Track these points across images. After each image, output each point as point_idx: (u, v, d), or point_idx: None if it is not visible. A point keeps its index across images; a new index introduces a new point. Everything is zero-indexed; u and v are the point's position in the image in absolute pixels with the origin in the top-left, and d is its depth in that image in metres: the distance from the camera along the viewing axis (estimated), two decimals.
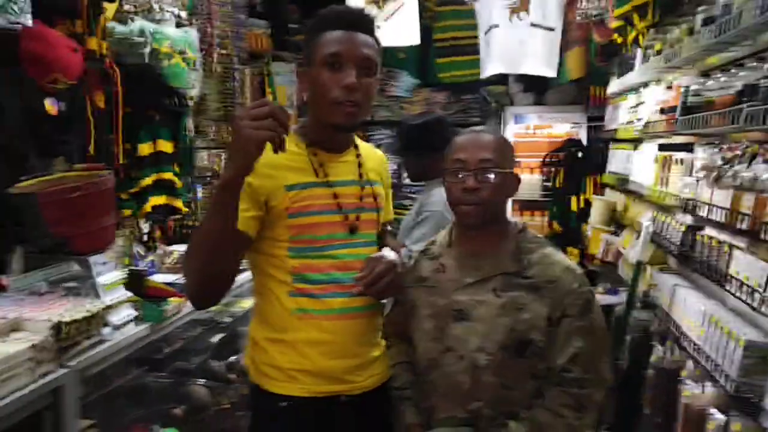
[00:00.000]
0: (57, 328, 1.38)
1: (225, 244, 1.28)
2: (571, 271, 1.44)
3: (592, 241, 3.67)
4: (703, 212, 1.92)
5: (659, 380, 2.12)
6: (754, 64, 1.68)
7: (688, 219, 2.20)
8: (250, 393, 1.54)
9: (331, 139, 1.47)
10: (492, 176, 1.43)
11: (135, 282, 1.81)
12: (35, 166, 2.19)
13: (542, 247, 1.48)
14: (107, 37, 2.53)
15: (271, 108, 1.17)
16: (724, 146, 1.67)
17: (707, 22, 1.97)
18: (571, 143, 4.58)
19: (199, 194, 3.50)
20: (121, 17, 2.67)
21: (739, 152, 1.56)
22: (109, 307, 1.57)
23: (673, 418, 1.90)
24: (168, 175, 2.78)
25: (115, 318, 1.60)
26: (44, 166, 2.25)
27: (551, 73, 3.92)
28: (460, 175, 1.45)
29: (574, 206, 4.35)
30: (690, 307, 1.99)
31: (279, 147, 1.18)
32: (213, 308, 2.39)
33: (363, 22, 1.42)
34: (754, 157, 1.47)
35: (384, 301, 1.64)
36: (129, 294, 1.69)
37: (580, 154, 4.46)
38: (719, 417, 1.57)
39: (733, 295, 1.69)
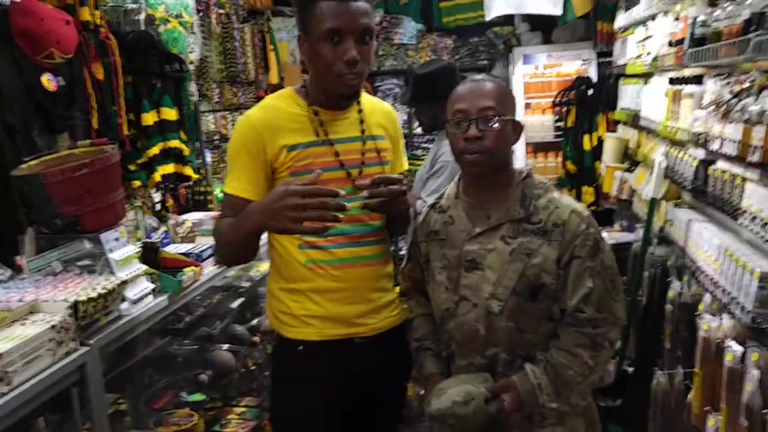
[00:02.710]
0: (74, 307, 1.41)
1: (247, 249, 1.47)
2: (578, 213, 1.43)
3: (606, 179, 3.62)
4: (714, 146, 1.88)
5: (678, 315, 2.13)
6: None
7: (700, 153, 2.16)
8: (273, 340, 1.63)
9: (335, 100, 1.50)
10: (494, 124, 1.41)
11: (150, 254, 1.84)
12: (39, 144, 2.20)
13: (548, 192, 1.47)
14: (100, 6, 2.49)
15: (320, 203, 1.25)
16: (732, 79, 1.62)
17: None
18: (582, 81, 4.46)
19: (208, 159, 3.51)
20: None
21: (747, 85, 1.51)
22: (124, 282, 1.60)
23: (693, 351, 1.92)
24: (175, 143, 2.78)
25: (132, 292, 1.63)
26: (48, 143, 2.26)
27: (557, 10, 3.81)
28: (462, 125, 1.43)
29: (587, 145, 4.27)
30: (705, 241, 1.97)
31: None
32: (231, 273, 2.43)
33: None
34: (762, 89, 1.42)
35: (401, 248, 1.67)
36: (144, 267, 1.71)
37: (590, 92, 4.35)
38: (737, 348, 1.58)
39: (746, 228, 1.67)
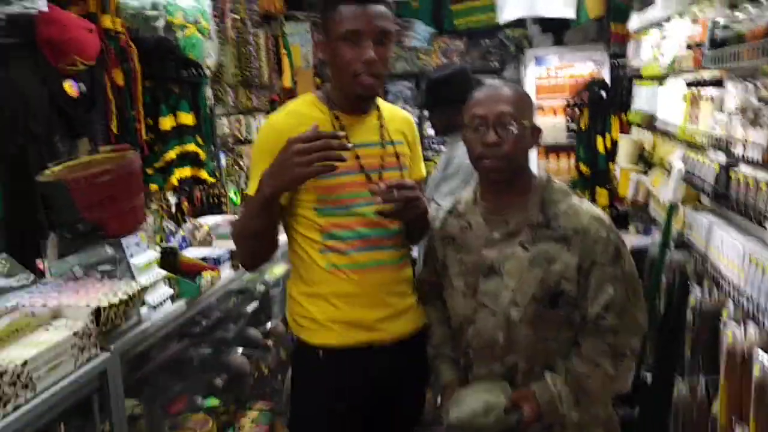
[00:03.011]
0: (97, 313, 1.42)
1: (269, 234, 1.48)
2: (598, 219, 1.43)
3: (621, 182, 3.60)
4: (737, 150, 1.86)
5: (699, 322, 2.10)
6: None
7: (721, 157, 2.14)
8: (292, 345, 1.64)
9: (354, 104, 1.53)
10: (512, 129, 1.40)
11: (169, 259, 1.86)
12: (61, 149, 2.23)
13: (568, 198, 1.47)
14: (120, 13, 2.52)
15: (325, 143, 1.28)
16: (758, 83, 1.60)
17: None
18: (594, 83, 4.44)
19: (223, 162, 3.54)
20: None
21: None
22: (145, 288, 1.61)
23: (715, 359, 1.90)
24: (191, 147, 2.81)
25: (152, 297, 1.64)
26: (69, 148, 2.29)
27: (570, 13, 3.80)
28: (479, 130, 1.42)
29: (600, 147, 4.25)
30: (728, 247, 1.95)
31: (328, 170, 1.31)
32: (246, 277, 2.44)
33: None
34: None
35: (414, 254, 1.68)
36: (164, 272, 1.72)
37: (603, 94, 4.33)
38: (766, 359, 1.56)
39: None
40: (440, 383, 1.55)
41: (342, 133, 1.33)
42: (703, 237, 2.23)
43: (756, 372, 1.58)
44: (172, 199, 2.92)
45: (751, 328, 1.72)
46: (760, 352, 1.60)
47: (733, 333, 1.76)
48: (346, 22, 1.42)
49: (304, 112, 1.52)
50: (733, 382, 1.71)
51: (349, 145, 1.34)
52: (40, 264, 1.87)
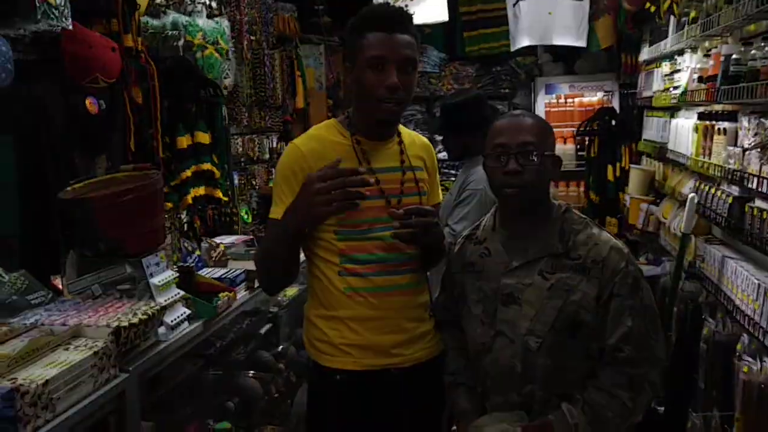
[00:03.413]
0: (117, 333, 1.42)
1: (291, 260, 1.51)
2: (618, 250, 1.43)
3: (631, 211, 3.61)
4: (751, 184, 1.87)
5: (713, 354, 2.10)
6: None
7: (734, 189, 2.15)
8: (308, 369, 1.63)
9: (375, 129, 1.54)
10: (533, 159, 1.42)
11: (185, 279, 1.85)
12: (78, 165, 2.26)
13: (587, 228, 1.47)
14: (142, 32, 2.56)
15: (345, 182, 1.34)
16: None
17: None
18: (605, 111, 4.48)
19: (236, 181, 3.56)
20: (154, 11, 2.70)
21: None
22: (164, 308, 1.61)
23: (730, 392, 1.88)
24: (207, 166, 2.83)
25: (170, 318, 1.64)
26: (87, 165, 2.32)
27: (581, 43, 3.85)
28: (501, 159, 1.44)
29: (610, 175, 4.26)
30: (742, 280, 1.95)
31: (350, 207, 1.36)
32: (259, 299, 2.43)
33: (403, 22, 1.49)
34: None
35: (433, 273, 1.69)
36: (182, 293, 1.72)
37: (614, 123, 4.36)
38: None
39: None
40: (457, 411, 1.54)
41: (363, 170, 1.37)
42: (716, 268, 2.23)
43: None
44: (185, 218, 2.94)
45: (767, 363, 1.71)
46: None
47: (749, 367, 1.75)
48: (372, 48, 1.44)
49: (326, 136, 1.54)
50: (749, 417, 1.71)
51: (372, 180, 1.38)
52: (55, 281, 1.88)
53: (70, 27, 2.08)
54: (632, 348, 1.38)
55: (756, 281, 1.86)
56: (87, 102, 2.30)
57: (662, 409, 2.44)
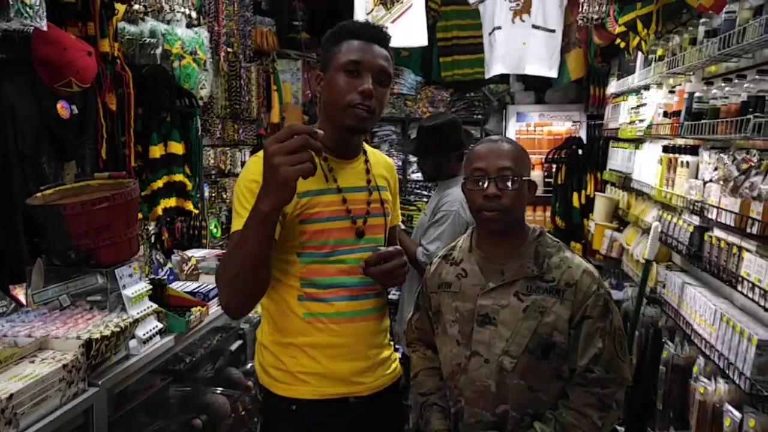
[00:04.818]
0: (87, 345, 1.35)
1: (263, 263, 1.29)
2: (589, 273, 1.48)
3: (596, 237, 3.71)
4: (711, 215, 1.96)
5: (671, 376, 2.17)
6: (757, 77, 1.76)
7: (695, 219, 2.24)
8: (261, 397, 1.54)
9: (343, 144, 1.49)
10: (512, 183, 1.46)
11: (157, 292, 1.80)
12: (47, 171, 2.19)
13: (561, 251, 1.52)
14: (119, 38, 2.53)
15: (302, 139, 1.13)
16: (738, 156, 1.72)
17: (710, 34, 2.08)
18: (572, 141, 4.62)
19: (206, 194, 3.51)
20: (131, 17, 2.68)
21: (753, 163, 1.61)
22: (137, 321, 1.55)
23: (686, 412, 1.95)
24: (179, 177, 2.80)
25: (142, 331, 1.58)
26: (56, 171, 2.25)
27: (553, 73, 3.97)
28: (480, 183, 1.48)
29: (576, 202, 4.38)
30: (700, 305, 2.03)
31: (311, 173, 1.16)
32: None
33: (382, 37, 1.48)
34: None
35: (394, 292, 1.65)
36: (154, 306, 1.67)
37: (580, 152, 4.50)
38: (736, 414, 1.62)
39: (744, 295, 1.74)
40: (430, 431, 1.55)
41: (317, 130, 1.16)
42: (676, 294, 2.31)
43: (726, 425, 1.64)
44: (152, 230, 2.88)
45: (722, 384, 1.78)
46: (731, 407, 1.67)
47: (705, 388, 1.82)
48: (349, 54, 1.41)
49: None
50: None
51: (321, 133, 1.16)
52: (14, 291, 1.78)
53: (45, 27, 2.03)
54: (602, 369, 1.42)
55: (713, 306, 1.94)
56: (59, 106, 2.26)
57: (622, 429, 2.50)
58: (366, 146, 1.59)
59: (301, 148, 1.13)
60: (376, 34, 1.46)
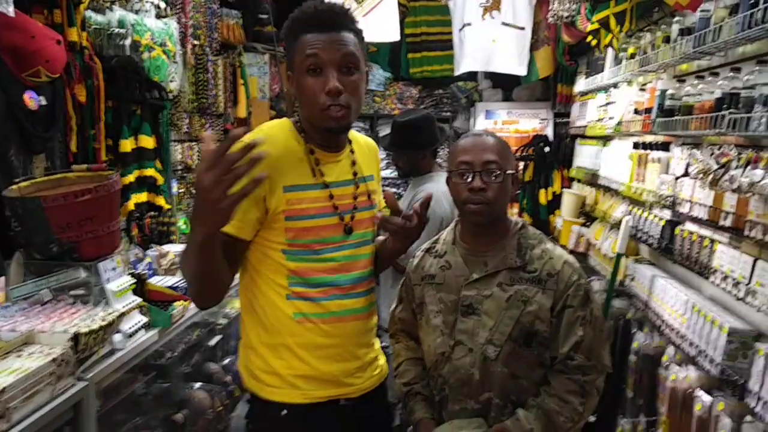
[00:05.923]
0: (75, 339, 1.32)
1: (214, 274, 1.26)
2: (570, 264, 1.52)
3: (563, 233, 3.80)
4: (683, 209, 2.03)
5: (641, 364, 2.24)
6: (730, 74, 1.81)
7: (666, 214, 2.32)
8: (248, 401, 1.50)
9: (329, 138, 1.43)
10: (496, 177, 1.49)
11: (137, 286, 1.76)
12: (15, 164, 2.10)
13: (542, 243, 1.56)
14: (86, 27, 2.45)
15: (227, 161, 1.03)
16: (717, 151, 1.79)
17: (683, 32, 2.13)
18: (539, 139, 4.72)
19: (174, 189, 3.43)
20: (98, 6, 2.59)
21: (732, 157, 1.68)
22: (122, 315, 1.51)
23: (655, 399, 2.02)
24: (150, 172, 2.73)
25: (127, 326, 1.54)
26: (24, 164, 2.16)
27: (522, 71, 4.04)
28: (465, 176, 1.50)
29: (542, 199, 4.48)
30: (671, 297, 2.11)
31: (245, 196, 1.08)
32: (210, 310, 2.36)
33: (338, 19, 1.36)
34: (749, 162, 1.59)
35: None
36: (138, 300, 1.63)
37: (547, 149, 4.60)
38: (706, 398, 1.69)
39: (716, 286, 1.81)
40: (414, 420, 1.56)
41: (255, 144, 1.06)
42: (646, 286, 2.39)
43: (697, 409, 1.71)
44: (121, 225, 2.81)
45: (692, 371, 1.86)
46: (702, 392, 1.74)
47: (676, 375, 1.89)
48: (307, 49, 1.32)
49: (282, 140, 1.39)
50: (674, 420, 1.84)
51: (262, 154, 1.06)
52: None
53: (12, 13, 1.95)
54: (583, 357, 1.46)
55: (684, 297, 2.01)
56: (25, 97, 2.17)
57: (593, 418, 2.57)
58: (352, 133, 1.51)
59: (227, 172, 1.03)
60: (331, 19, 1.35)
